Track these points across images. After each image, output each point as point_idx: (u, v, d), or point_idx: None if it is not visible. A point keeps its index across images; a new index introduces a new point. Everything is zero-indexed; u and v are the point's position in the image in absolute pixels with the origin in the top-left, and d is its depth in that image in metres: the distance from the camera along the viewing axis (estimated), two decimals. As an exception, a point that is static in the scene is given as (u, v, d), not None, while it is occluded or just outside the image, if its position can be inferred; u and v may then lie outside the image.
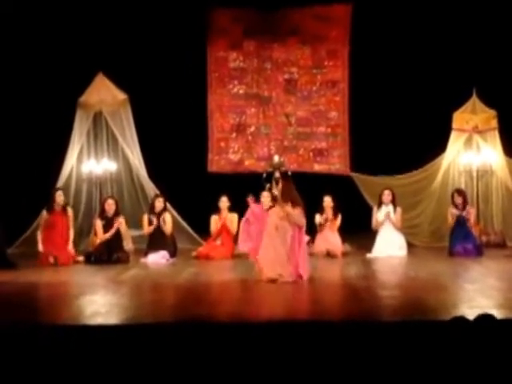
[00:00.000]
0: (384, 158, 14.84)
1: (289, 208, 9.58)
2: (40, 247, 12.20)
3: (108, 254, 11.99)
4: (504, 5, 14.32)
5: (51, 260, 11.70)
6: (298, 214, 9.61)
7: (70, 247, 12.39)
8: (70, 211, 12.59)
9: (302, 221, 9.66)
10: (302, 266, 9.49)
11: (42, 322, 6.49)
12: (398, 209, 13.07)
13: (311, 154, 16.01)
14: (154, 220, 12.59)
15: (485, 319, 5.56)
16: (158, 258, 12.12)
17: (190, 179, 14.90)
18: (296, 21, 15.92)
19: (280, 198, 9.77)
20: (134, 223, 13.51)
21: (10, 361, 5.70)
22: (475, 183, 14.74)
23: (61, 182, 14.42)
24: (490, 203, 14.73)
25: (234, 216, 12.93)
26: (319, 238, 12.95)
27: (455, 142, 14.78)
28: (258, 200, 11.04)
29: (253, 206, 10.09)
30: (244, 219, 10.13)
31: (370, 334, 5.91)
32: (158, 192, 13.72)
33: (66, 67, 14.60)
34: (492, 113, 14.65)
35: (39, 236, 12.31)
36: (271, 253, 9.48)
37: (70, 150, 14.60)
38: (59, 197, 12.33)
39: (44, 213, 12.29)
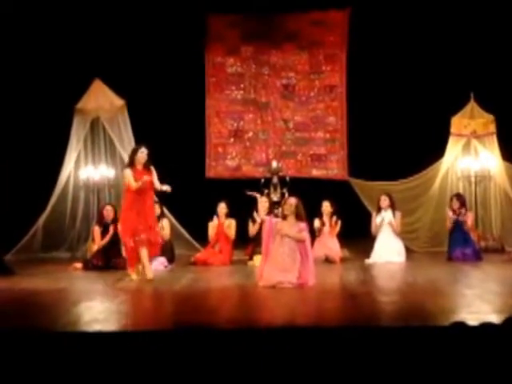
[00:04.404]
0: (382, 163, 14.85)
1: (287, 231, 9.61)
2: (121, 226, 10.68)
3: (106, 261, 11.97)
4: (500, 10, 14.34)
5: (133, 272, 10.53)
6: (298, 231, 9.65)
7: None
8: (152, 169, 10.65)
9: (302, 236, 9.67)
10: (307, 274, 9.53)
11: (40, 329, 6.45)
12: (398, 213, 13.03)
13: (309, 159, 16.02)
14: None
15: (483, 325, 5.54)
16: (155, 265, 12.06)
17: (187, 185, 14.90)
18: (293, 26, 15.96)
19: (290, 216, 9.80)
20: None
21: (7, 368, 5.66)
22: (473, 188, 14.75)
23: (58, 189, 14.44)
24: (489, 208, 14.73)
25: (232, 222, 12.92)
26: (318, 243, 12.92)
27: (453, 147, 14.79)
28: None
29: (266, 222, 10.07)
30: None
31: (369, 339, 5.88)
32: (155, 198, 13.66)
33: (64, 73, 14.60)
34: (490, 117, 14.66)
35: (124, 202, 10.74)
36: (274, 261, 9.51)
37: (68, 157, 14.61)
38: (141, 154, 10.54)
39: (127, 170, 10.53)
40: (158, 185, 10.49)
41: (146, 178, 10.28)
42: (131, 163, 10.55)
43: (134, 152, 10.64)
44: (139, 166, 10.49)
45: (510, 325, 5.55)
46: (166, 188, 10.45)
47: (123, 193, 10.93)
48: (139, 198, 10.36)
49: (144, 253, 10.33)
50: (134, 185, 10.24)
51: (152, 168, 10.59)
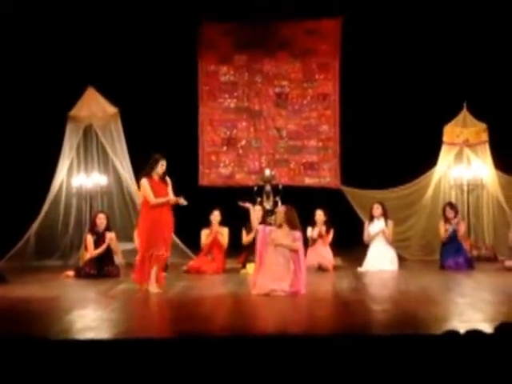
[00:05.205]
0: (375, 172, 14.86)
1: (281, 240, 9.63)
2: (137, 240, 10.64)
3: (98, 269, 11.94)
4: (493, 19, 14.40)
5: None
6: (292, 240, 9.68)
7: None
8: (168, 180, 10.35)
9: (295, 245, 9.69)
10: (299, 283, 9.55)
11: (33, 337, 6.45)
12: (390, 222, 13.04)
13: (302, 167, 16.04)
14: None
15: (475, 334, 5.56)
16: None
17: (180, 193, 14.87)
18: (286, 34, 15.99)
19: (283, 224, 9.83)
20: (125, 237, 13.45)
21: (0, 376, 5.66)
22: (466, 197, 14.77)
23: (51, 196, 14.43)
24: (481, 217, 14.74)
25: (225, 230, 12.92)
26: (311, 251, 12.92)
27: (446, 156, 14.81)
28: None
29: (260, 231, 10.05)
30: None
31: (361, 347, 5.89)
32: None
33: (57, 81, 14.60)
34: (482, 126, 14.69)
35: (140, 214, 10.49)
36: (268, 270, 9.54)
37: (61, 164, 14.59)
38: (161, 166, 10.23)
39: (145, 180, 10.15)
40: (173, 197, 10.23)
41: (168, 198, 10.16)
42: (149, 173, 10.24)
43: (155, 162, 10.24)
44: (156, 177, 10.23)
45: (503, 331, 5.56)
46: (182, 201, 10.28)
47: (141, 204, 10.53)
48: (155, 210, 10.09)
49: (154, 269, 10.02)
50: (153, 200, 10.02)
51: (168, 180, 10.34)
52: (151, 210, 10.08)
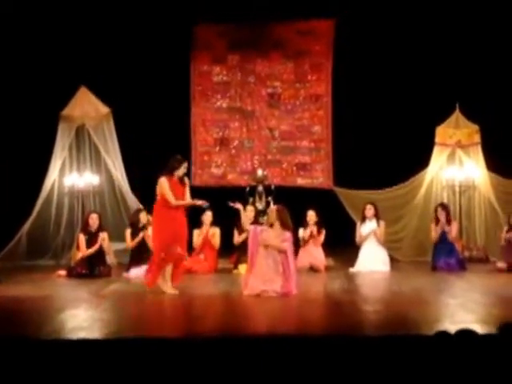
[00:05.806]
0: (367, 172, 14.87)
1: (271, 241, 9.62)
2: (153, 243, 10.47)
3: (90, 269, 11.92)
4: (485, 22, 14.42)
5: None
6: (282, 241, 9.66)
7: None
8: (187, 181, 10.22)
9: (283, 246, 9.65)
10: (289, 284, 9.55)
11: (24, 337, 6.44)
12: (382, 223, 13.03)
13: (294, 168, 16.04)
14: (140, 234, 12.50)
15: (466, 334, 5.56)
16: (140, 273, 12.03)
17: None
18: (280, 35, 15.99)
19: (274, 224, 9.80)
20: (116, 236, 13.43)
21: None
22: (458, 198, 14.78)
23: (43, 195, 14.40)
24: (473, 218, 14.75)
25: (216, 231, 12.93)
26: (303, 252, 12.91)
27: (438, 157, 14.82)
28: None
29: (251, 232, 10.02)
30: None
31: (353, 348, 5.90)
32: (140, 206, 13.63)
33: (49, 80, 14.57)
34: (475, 127, 14.71)
35: (154, 215, 10.19)
36: (260, 271, 9.53)
37: (53, 163, 14.57)
38: (184, 169, 10.06)
39: (164, 179, 9.87)
40: (190, 199, 10.09)
41: (188, 202, 10.07)
42: (169, 173, 9.99)
43: (178, 163, 10.03)
44: (175, 178, 10.01)
45: (506, 332, 5.56)
46: (202, 202, 10.19)
47: (155, 203, 10.17)
48: (171, 211, 9.88)
49: (168, 268, 9.96)
50: (174, 201, 9.83)
51: (187, 181, 10.20)
52: (167, 210, 9.88)
